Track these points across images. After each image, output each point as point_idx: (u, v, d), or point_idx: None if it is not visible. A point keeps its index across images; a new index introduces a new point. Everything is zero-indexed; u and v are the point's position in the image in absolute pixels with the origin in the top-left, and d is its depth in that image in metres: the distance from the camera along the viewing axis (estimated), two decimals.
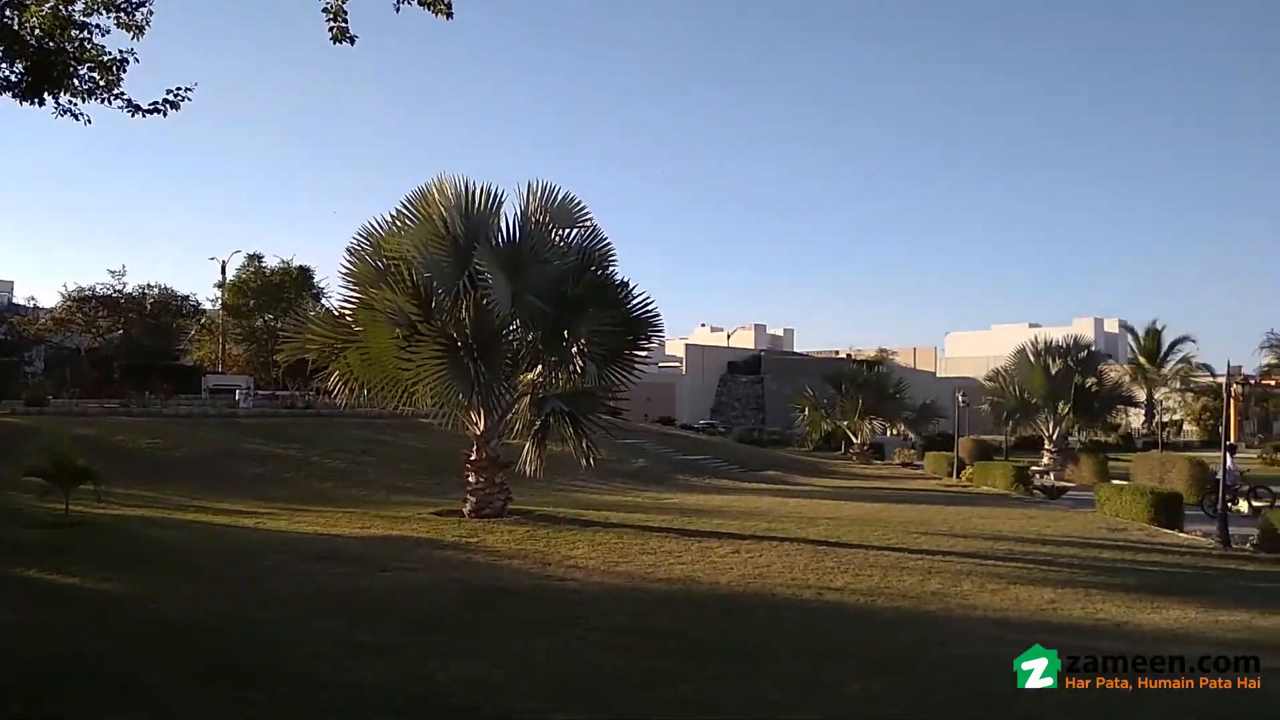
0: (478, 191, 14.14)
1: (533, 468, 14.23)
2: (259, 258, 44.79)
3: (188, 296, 45.58)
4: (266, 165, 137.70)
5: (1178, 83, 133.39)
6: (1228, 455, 28.22)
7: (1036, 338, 36.99)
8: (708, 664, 6.51)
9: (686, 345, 72.67)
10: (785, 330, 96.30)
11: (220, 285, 44.32)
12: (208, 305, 46.70)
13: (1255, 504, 22.01)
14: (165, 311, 43.87)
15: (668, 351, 71.90)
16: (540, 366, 14.87)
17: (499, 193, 14.24)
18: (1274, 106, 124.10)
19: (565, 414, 13.71)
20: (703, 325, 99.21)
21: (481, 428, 14.47)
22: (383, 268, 14.08)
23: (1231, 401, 43.78)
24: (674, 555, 11.36)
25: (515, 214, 14.32)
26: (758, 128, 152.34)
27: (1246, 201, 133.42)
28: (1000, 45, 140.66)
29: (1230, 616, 8.70)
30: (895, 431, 46.83)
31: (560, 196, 14.51)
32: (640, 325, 14.87)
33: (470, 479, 14.52)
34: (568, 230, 14.86)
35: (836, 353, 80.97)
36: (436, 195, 14.19)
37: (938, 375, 76.36)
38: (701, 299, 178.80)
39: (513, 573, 10.00)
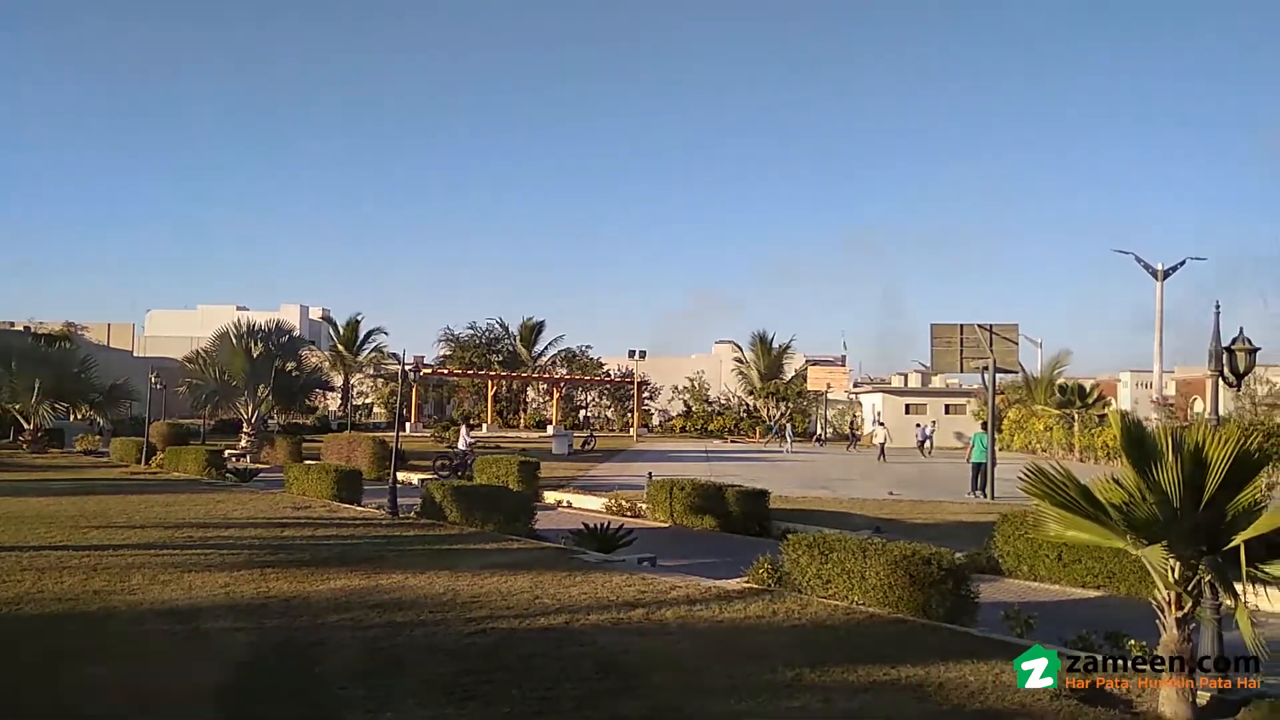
0: None
1: None
2: None
3: None
4: None
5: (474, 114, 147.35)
6: (463, 430, 32.82)
7: (240, 320, 36.97)
8: None
9: None
10: None
11: None
12: None
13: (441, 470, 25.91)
14: None
15: None
16: None
17: None
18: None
19: None
20: None
21: None
22: None
23: (413, 387, 49.92)
24: None
25: None
26: None
27: (411, 220, 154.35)
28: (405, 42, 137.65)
29: (389, 579, 9.68)
30: (81, 415, 42.12)
31: None
32: None
33: None
34: None
35: (13, 324, 69.35)
36: None
37: (136, 354, 71.04)
38: None
39: None
